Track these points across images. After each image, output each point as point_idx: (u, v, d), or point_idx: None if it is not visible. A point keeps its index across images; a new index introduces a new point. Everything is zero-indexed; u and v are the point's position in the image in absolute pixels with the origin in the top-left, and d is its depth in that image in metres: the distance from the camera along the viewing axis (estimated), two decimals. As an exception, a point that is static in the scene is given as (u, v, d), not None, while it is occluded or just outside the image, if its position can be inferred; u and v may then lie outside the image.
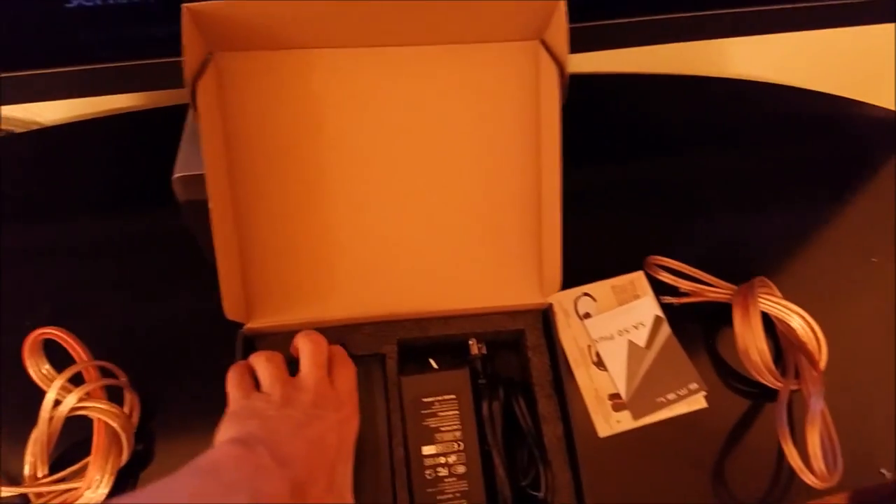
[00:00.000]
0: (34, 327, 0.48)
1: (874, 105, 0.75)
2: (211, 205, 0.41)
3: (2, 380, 0.51)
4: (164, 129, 0.51)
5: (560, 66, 0.42)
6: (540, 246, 0.49)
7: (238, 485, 0.33)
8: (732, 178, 0.68)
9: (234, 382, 0.42)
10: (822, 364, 0.54)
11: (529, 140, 0.47)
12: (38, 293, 0.57)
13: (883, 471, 0.53)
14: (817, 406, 0.49)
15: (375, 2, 0.40)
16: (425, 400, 0.47)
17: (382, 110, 0.46)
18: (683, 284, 0.56)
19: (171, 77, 0.47)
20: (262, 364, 0.43)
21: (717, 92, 0.76)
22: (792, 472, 0.52)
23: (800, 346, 0.54)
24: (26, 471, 0.46)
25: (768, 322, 0.55)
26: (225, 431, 0.39)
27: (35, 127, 0.68)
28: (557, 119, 0.43)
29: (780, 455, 0.53)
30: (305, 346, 0.43)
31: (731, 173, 0.68)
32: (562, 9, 0.40)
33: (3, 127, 0.67)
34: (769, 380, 0.53)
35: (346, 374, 0.44)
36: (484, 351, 0.50)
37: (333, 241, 0.47)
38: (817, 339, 0.54)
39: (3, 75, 0.48)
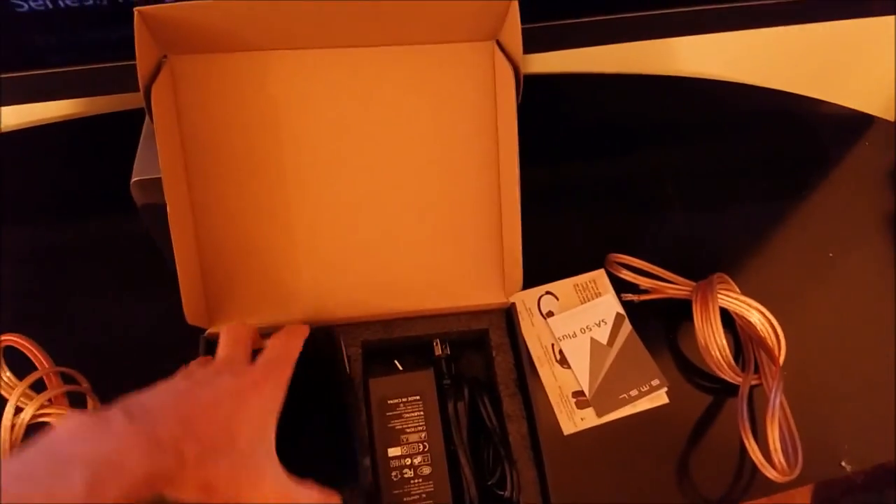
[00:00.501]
0: (-7, 335, 0.47)
1: (828, 102, 0.77)
2: (169, 209, 0.41)
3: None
4: (123, 133, 0.50)
5: (514, 66, 0.43)
6: (501, 246, 0.50)
7: (72, 458, 0.29)
8: (690, 176, 0.69)
9: None
10: (781, 359, 0.55)
11: (488, 140, 0.47)
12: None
13: (843, 464, 0.54)
14: (776, 400, 0.50)
15: (331, 2, 0.40)
16: (391, 402, 0.47)
17: (340, 111, 0.46)
18: (643, 282, 0.57)
19: (126, 80, 0.46)
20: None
21: (673, 90, 0.77)
22: (754, 466, 0.53)
23: (759, 342, 0.55)
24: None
25: (728, 317, 0.57)
26: None
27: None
28: (513, 119, 0.43)
29: (743, 449, 0.54)
30: (227, 329, 0.40)
31: (689, 171, 0.69)
32: (515, 9, 0.41)
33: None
34: (729, 375, 0.54)
35: (276, 343, 0.39)
36: (448, 351, 0.50)
37: (294, 243, 0.47)
38: (776, 333, 0.56)
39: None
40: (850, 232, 0.66)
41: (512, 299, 0.50)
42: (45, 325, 0.53)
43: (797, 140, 0.74)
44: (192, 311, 0.43)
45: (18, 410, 0.46)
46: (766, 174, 0.71)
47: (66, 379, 0.49)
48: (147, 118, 0.52)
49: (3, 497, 0.27)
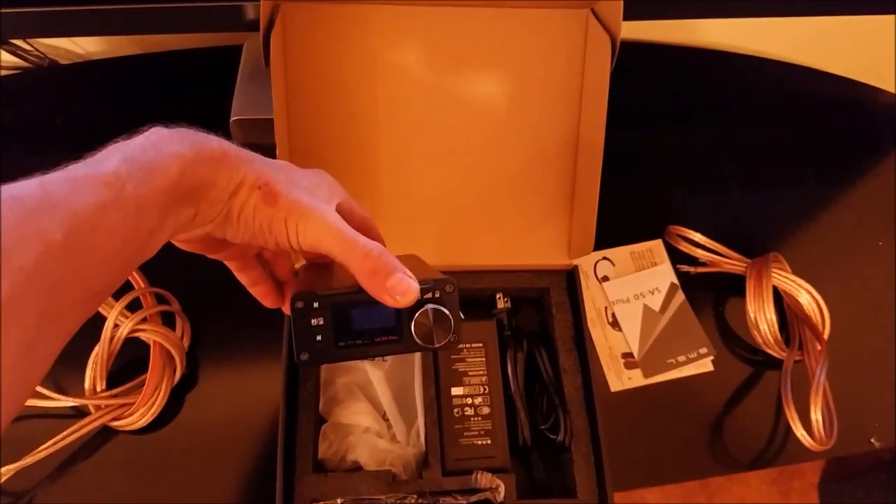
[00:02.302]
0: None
1: (888, 91, 0.77)
2: (278, 150, 0.44)
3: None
4: (204, 69, 0.52)
5: (611, 35, 0.44)
6: (572, 209, 0.52)
7: (113, 150, 0.28)
8: (750, 155, 0.70)
9: None
10: (826, 335, 0.57)
11: (571, 107, 0.49)
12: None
13: (873, 440, 0.57)
14: (821, 376, 0.52)
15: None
16: (456, 345, 0.50)
17: (432, 67, 0.48)
18: (701, 255, 0.60)
19: (214, 20, 0.49)
20: None
21: (739, 68, 0.77)
22: (785, 435, 0.56)
23: (805, 320, 0.57)
24: (87, 385, 0.50)
25: (776, 295, 0.59)
26: None
27: (78, 60, 0.70)
28: (605, 87, 0.45)
29: (776, 419, 0.57)
30: None
31: (749, 149, 0.71)
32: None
33: (50, 56, 0.69)
34: (775, 350, 0.57)
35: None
36: (509, 305, 0.53)
37: (377, 192, 0.50)
38: (822, 314, 0.58)
39: (46, 9, 0.50)
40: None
41: (576, 273, 0.53)
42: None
43: (855, 126, 0.74)
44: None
45: (116, 326, 0.51)
46: (822, 158, 0.71)
47: (159, 299, 0.54)
48: (243, 59, 0.55)
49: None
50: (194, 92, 0.66)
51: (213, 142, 0.30)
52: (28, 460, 0.47)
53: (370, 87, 0.48)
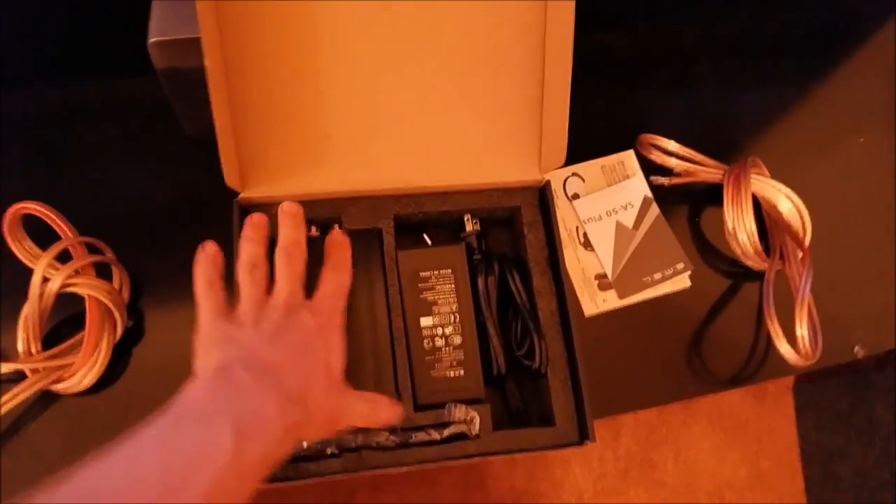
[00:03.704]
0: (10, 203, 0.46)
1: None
2: (208, 72, 0.39)
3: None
4: None
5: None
6: (540, 121, 0.48)
7: (215, 415, 0.31)
8: (725, 53, 0.66)
9: (203, 292, 0.39)
10: (806, 243, 0.55)
11: (534, 9, 0.44)
12: (8, 165, 0.54)
13: (856, 349, 0.56)
14: (806, 287, 0.50)
15: None
16: (422, 274, 0.47)
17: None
18: (675, 164, 0.56)
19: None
20: (243, 275, 0.40)
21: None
22: (767, 350, 0.54)
23: (786, 228, 0.55)
24: (20, 347, 0.46)
25: (755, 204, 0.56)
26: (202, 360, 0.37)
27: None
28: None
29: (757, 334, 0.55)
30: (280, 264, 0.40)
31: (723, 48, 0.66)
32: None
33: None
34: (755, 260, 0.55)
35: (333, 279, 0.42)
36: (478, 227, 0.50)
37: (330, 111, 0.45)
38: (803, 220, 0.55)
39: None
40: (884, 117, 0.64)
41: (548, 188, 0.49)
42: (60, 194, 0.51)
43: (836, 19, 0.70)
44: (229, 173, 0.42)
45: (45, 280, 0.46)
46: (801, 53, 0.67)
47: (91, 249, 0.49)
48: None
49: (155, 449, 0.29)
50: (109, 18, 0.59)
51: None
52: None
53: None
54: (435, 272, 0.47)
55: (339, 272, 0.42)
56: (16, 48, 0.59)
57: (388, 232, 0.48)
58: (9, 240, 0.46)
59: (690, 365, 0.54)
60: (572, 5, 0.41)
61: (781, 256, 0.55)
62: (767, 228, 0.57)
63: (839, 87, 0.66)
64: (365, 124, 0.46)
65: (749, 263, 0.55)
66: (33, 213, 0.47)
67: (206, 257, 0.40)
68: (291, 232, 0.41)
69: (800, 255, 0.53)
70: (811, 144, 0.63)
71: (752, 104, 0.64)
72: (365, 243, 0.48)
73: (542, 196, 0.50)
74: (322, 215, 0.47)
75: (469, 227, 0.49)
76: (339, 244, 0.43)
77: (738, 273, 0.57)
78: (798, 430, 1.24)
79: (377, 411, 0.39)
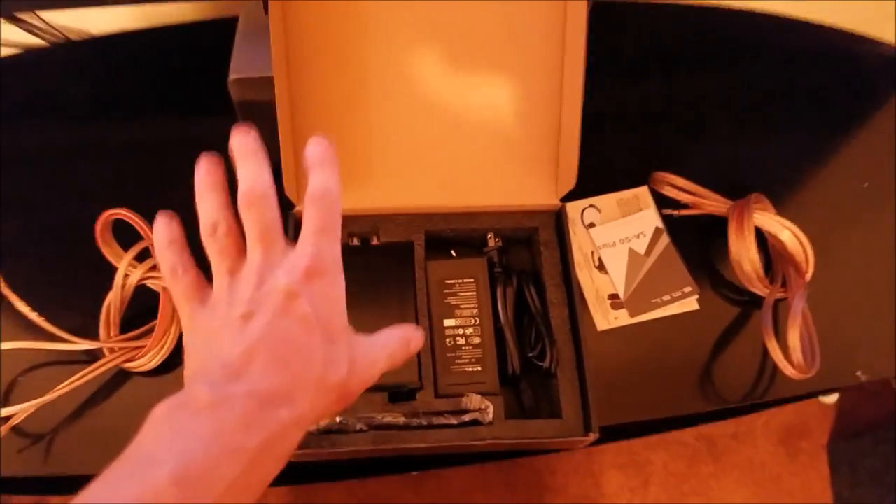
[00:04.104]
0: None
1: (875, 39, 0.78)
2: (277, 99, 0.47)
3: (79, 258, 0.57)
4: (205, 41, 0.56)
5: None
6: (557, 152, 0.54)
7: (156, 455, 0.27)
8: (739, 106, 0.72)
9: (169, 282, 0.34)
10: (809, 274, 0.59)
11: (553, 48, 0.52)
12: (99, 185, 0.63)
13: (858, 373, 0.59)
14: (799, 305, 0.54)
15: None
16: (448, 282, 0.53)
17: (422, 15, 0.50)
18: (684, 197, 0.62)
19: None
20: (206, 241, 0.33)
21: (722, 19, 0.79)
22: (774, 371, 0.58)
23: (789, 258, 0.59)
24: (101, 331, 0.53)
25: (760, 237, 0.61)
26: (185, 368, 0.33)
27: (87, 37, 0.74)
28: (583, 27, 0.47)
29: (762, 355, 0.59)
30: (244, 217, 0.33)
31: (738, 100, 0.72)
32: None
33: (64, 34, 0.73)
34: (759, 287, 0.59)
35: (316, 182, 0.33)
36: (500, 244, 0.56)
37: (374, 138, 0.53)
38: (805, 251, 0.59)
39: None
40: (886, 166, 0.69)
41: (561, 203, 0.55)
42: (148, 206, 0.60)
43: (841, 75, 0.76)
44: (288, 186, 0.50)
45: (126, 275, 0.54)
46: (809, 106, 0.73)
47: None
48: (241, 22, 0.58)
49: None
50: (197, 62, 0.69)
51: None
52: (48, 397, 0.50)
53: (363, 34, 0.51)
54: (459, 280, 0.53)
55: (325, 169, 0.33)
56: (115, 88, 0.70)
57: (419, 245, 0.54)
58: (99, 240, 0.55)
59: (695, 381, 0.58)
60: (582, 54, 0.48)
61: (784, 285, 0.59)
62: (772, 260, 0.61)
63: (845, 140, 0.71)
64: (403, 151, 0.54)
65: (754, 290, 0.59)
66: (121, 217, 0.55)
67: (163, 237, 0.34)
68: (251, 171, 0.33)
69: (800, 281, 0.57)
70: (817, 189, 0.67)
71: (763, 152, 0.69)
72: (399, 254, 0.54)
73: (558, 219, 0.56)
74: (363, 229, 0.54)
75: (491, 243, 0.56)
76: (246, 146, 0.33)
77: (744, 301, 0.61)
78: (832, 487, 1.22)
79: (402, 348, 0.34)
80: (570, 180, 0.53)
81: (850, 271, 0.63)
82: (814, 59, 0.77)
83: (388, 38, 0.51)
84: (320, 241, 0.32)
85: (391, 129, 0.53)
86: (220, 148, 0.67)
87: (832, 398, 1.31)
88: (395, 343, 0.34)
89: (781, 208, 0.61)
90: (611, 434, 1.11)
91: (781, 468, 1.25)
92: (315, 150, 0.34)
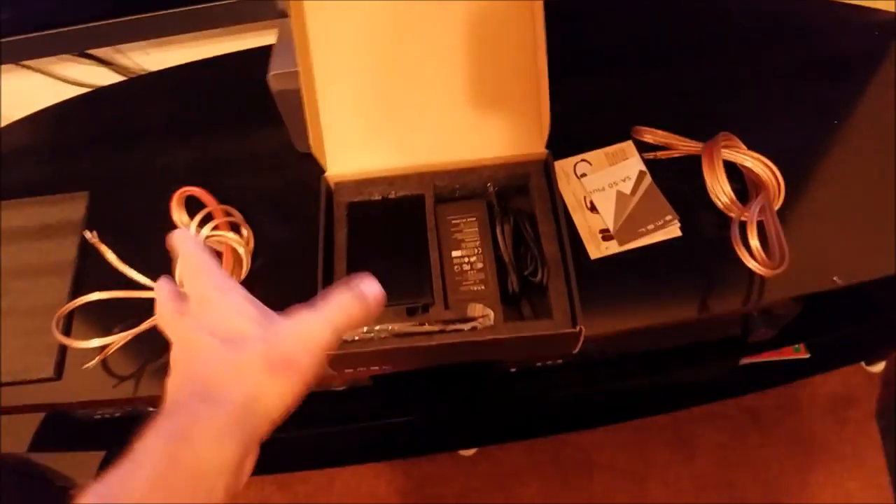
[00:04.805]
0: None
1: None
2: (301, 81, 0.60)
3: (156, 228, 0.71)
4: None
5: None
6: (540, 109, 0.64)
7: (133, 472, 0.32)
8: (721, 60, 0.82)
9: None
10: (781, 198, 0.66)
11: (526, 23, 0.62)
12: (177, 177, 0.78)
13: (835, 278, 0.65)
14: (755, 211, 0.62)
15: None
16: (453, 220, 0.64)
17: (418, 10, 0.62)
18: (661, 139, 0.70)
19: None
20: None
21: None
22: (750, 277, 0.64)
23: (760, 183, 0.67)
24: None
25: (736, 171, 0.68)
26: None
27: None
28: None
29: (739, 267, 0.65)
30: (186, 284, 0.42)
31: (718, 56, 0.82)
32: None
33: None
34: (735, 212, 0.66)
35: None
36: (495, 189, 0.66)
37: (389, 108, 0.64)
38: (774, 174, 0.67)
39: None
40: (855, 104, 0.75)
41: (547, 152, 0.65)
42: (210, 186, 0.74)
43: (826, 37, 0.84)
44: (317, 150, 0.62)
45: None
46: (779, 49, 0.82)
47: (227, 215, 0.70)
48: (278, 33, 0.72)
49: None
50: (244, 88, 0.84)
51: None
52: (135, 331, 0.63)
53: (373, 25, 0.62)
54: (462, 219, 0.64)
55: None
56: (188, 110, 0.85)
57: (429, 196, 0.65)
58: (174, 213, 0.69)
59: (681, 293, 0.65)
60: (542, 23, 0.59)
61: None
62: (748, 188, 0.69)
63: (813, 80, 0.78)
64: (411, 119, 0.65)
65: (731, 215, 0.67)
66: (191, 193, 0.69)
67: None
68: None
69: (769, 195, 0.64)
70: (788, 127, 0.75)
71: (732, 97, 0.78)
72: (412, 206, 0.65)
73: (546, 166, 0.66)
74: (382, 187, 0.66)
75: (490, 189, 0.66)
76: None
77: (724, 224, 0.68)
78: (885, 453, 1.21)
79: (356, 306, 0.38)
80: (546, 128, 0.63)
81: (825, 192, 0.69)
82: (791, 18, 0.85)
83: (393, 25, 0.62)
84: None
85: (401, 101, 0.64)
86: (264, 142, 0.80)
87: (878, 367, 1.32)
88: (340, 309, 0.38)
89: (757, 147, 0.69)
90: (654, 409, 1.19)
91: (832, 436, 1.26)
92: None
